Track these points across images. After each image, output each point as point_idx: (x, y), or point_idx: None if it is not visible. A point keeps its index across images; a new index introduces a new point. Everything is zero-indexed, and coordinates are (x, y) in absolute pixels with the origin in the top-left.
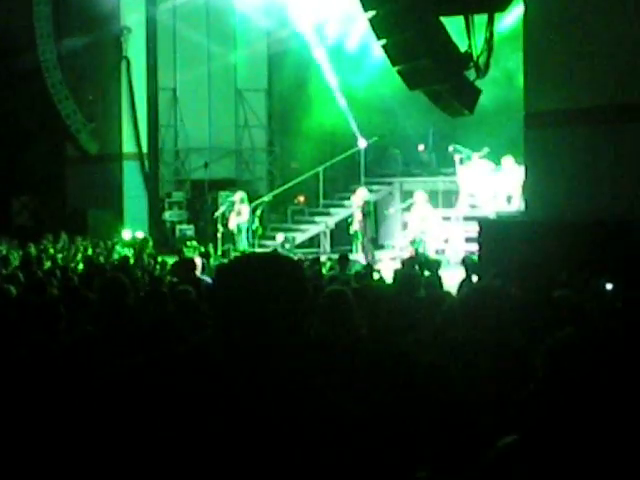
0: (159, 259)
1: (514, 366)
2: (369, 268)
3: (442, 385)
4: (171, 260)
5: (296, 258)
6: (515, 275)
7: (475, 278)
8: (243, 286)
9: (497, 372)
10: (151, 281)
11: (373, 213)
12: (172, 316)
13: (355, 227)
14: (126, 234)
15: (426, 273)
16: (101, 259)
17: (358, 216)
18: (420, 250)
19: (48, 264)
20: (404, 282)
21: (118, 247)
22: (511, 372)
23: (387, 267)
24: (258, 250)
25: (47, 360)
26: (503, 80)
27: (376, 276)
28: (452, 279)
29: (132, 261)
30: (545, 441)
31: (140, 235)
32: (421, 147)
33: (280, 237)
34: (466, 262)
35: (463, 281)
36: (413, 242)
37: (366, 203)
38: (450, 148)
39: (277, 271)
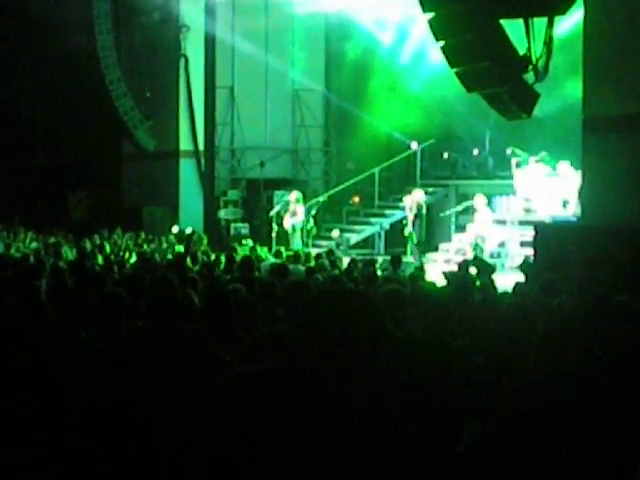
0: (212, 256)
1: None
2: (422, 270)
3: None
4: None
5: (349, 259)
6: (572, 280)
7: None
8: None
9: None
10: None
11: (425, 216)
12: (226, 316)
13: (409, 229)
14: (174, 229)
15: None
16: (156, 256)
17: (410, 217)
18: (479, 254)
19: (101, 260)
20: (458, 285)
21: (173, 243)
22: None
23: (437, 269)
24: (314, 251)
25: (84, 358)
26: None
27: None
28: (506, 283)
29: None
30: None
31: (189, 230)
32: (475, 151)
33: (335, 233)
34: (524, 266)
35: (517, 284)
36: (475, 246)
37: (419, 205)
38: (508, 151)
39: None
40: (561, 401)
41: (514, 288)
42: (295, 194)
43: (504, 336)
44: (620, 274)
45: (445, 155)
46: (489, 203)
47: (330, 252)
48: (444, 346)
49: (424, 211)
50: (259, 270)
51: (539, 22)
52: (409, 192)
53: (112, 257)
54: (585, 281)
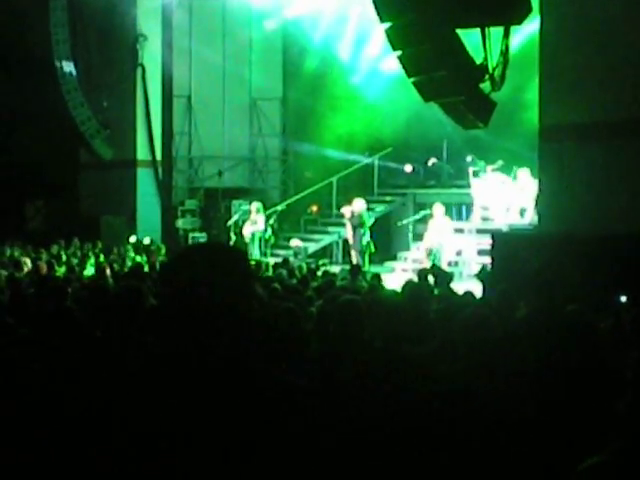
0: None
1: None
2: (379, 279)
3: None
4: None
5: (306, 267)
6: (527, 289)
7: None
8: (188, 274)
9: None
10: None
11: (366, 225)
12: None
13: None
14: (132, 239)
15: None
16: (115, 266)
17: (349, 227)
18: (435, 262)
19: (62, 270)
20: (412, 293)
21: (131, 254)
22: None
23: (395, 278)
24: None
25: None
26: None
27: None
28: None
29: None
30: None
31: (147, 241)
32: (431, 160)
33: (294, 242)
34: (482, 274)
35: (466, 292)
36: (430, 254)
37: (359, 215)
38: (469, 158)
39: (219, 259)
40: (521, 409)
41: (464, 295)
42: (255, 205)
43: (467, 344)
44: (572, 283)
45: (408, 169)
46: (451, 212)
47: (285, 261)
48: (401, 355)
49: (366, 220)
50: None
51: (495, 32)
52: (349, 202)
53: (75, 268)
54: (538, 291)
